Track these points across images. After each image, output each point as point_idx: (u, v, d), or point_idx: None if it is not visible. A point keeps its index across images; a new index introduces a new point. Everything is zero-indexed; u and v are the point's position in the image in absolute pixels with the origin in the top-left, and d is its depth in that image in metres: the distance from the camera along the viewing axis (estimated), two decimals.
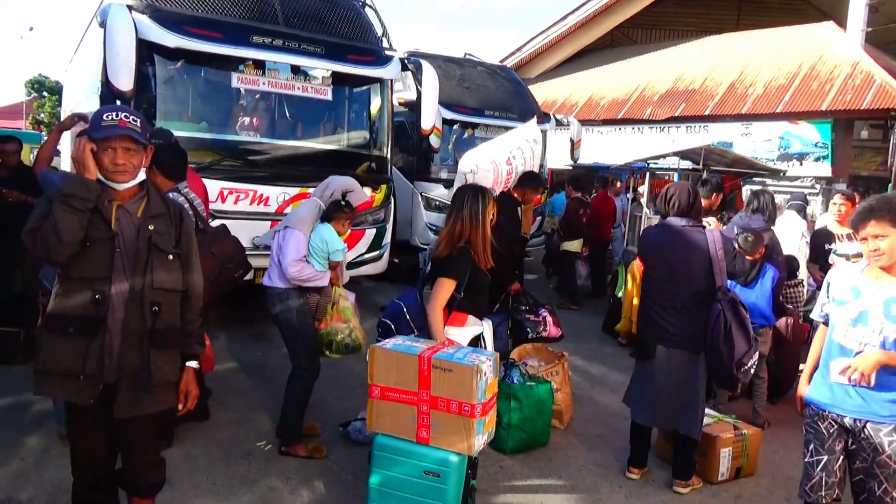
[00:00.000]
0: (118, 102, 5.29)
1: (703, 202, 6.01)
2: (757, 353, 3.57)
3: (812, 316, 2.98)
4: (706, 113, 13.64)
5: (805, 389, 2.90)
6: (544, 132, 10.48)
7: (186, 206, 3.38)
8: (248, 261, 4.31)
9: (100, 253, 2.31)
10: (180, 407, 2.53)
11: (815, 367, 2.90)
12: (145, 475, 2.58)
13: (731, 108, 13.36)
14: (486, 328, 3.52)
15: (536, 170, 5.53)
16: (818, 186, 11.49)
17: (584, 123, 11.95)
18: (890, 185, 9.51)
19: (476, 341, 3.40)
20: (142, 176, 2.42)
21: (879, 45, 13.73)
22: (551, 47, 18.63)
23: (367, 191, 6.31)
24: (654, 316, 3.72)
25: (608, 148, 14.45)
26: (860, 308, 2.63)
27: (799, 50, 13.77)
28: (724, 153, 9.22)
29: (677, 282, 3.65)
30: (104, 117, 2.30)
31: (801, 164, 12.21)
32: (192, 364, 2.56)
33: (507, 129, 9.98)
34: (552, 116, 10.70)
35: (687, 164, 9.83)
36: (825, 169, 11.93)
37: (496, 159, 5.03)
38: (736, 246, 4.57)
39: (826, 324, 2.84)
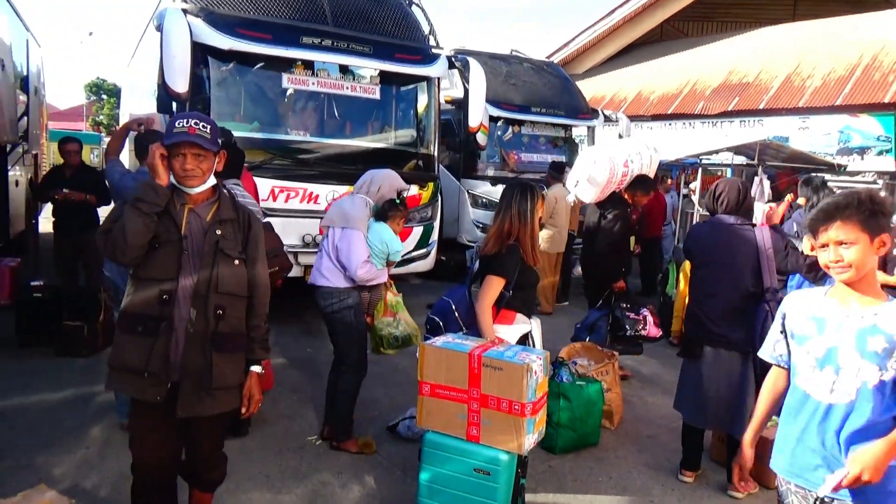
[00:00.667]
0: (174, 104, 5.46)
1: (802, 202, 5.93)
2: None
3: (760, 354, 2.33)
4: (761, 107, 13.25)
5: (751, 451, 2.31)
6: (592, 129, 10.40)
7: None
8: (289, 260, 4.36)
9: (168, 254, 2.38)
10: (244, 410, 2.57)
11: (765, 421, 2.32)
12: (207, 471, 2.68)
13: (787, 101, 12.94)
14: (534, 326, 3.50)
15: (651, 175, 5.62)
16: (881, 181, 11.04)
17: (633, 119, 11.77)
18: None
19: (524, 339, 3.39)
20: (212, 180, 2.48)
21: None
22: (599, 42, 18.37)
23: (414, 188, 6.38)
24: (700, 315, 3.65)
25: (658, 144, 14.18)
26: (827, 344, 1.98)
27: (859, 40, 13.23)
28: (781, 148, 8.97)
29: (724, 280, 3.57)
30: (176, 124, 2.36)
31: (862, 159, 11.74)
32: (256, 369, 2.58)
33: (554, 125, 9.97)
34: (600, 112, 10.57)
35: (741, 160, 9.58)
36: (888, 163, 11.44)
37: (614, 158, 5.15)
38: (806, 240, 4.44)
39: (782, 366, 2.22)
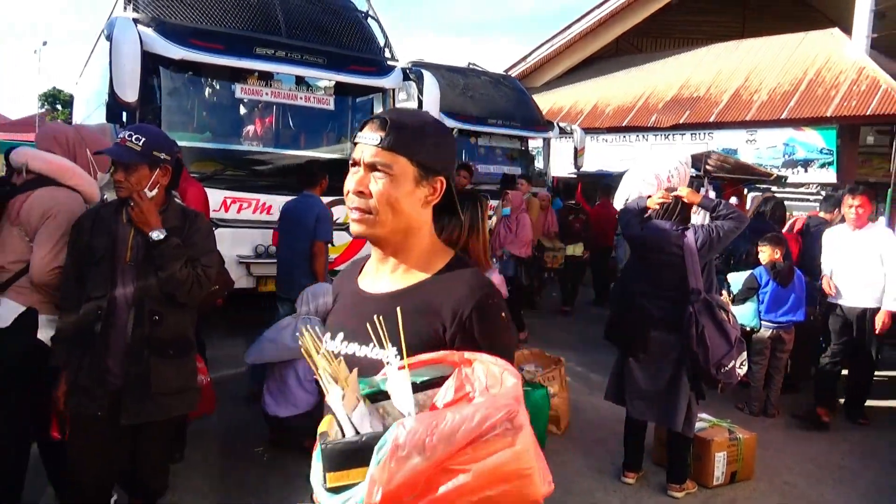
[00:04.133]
0: (123, 114, 5.41)
1: (826, 216, 6.12)
2: (742, 353, 3.59)
3: None
4: (711, 120, 13.66)
5: None
6: (547, 141, 10.57)
7: None
8: (230, 277, 4.30)
9: (104, 270, 2.40)
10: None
11: None
12: (150, 481, 2.65)
13: (735, 115, 13.37)
14: None
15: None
16: (823, 193, 11.48)
17: (588, 131, 12.01)
18: (890, 190, 9.48)
19: None
20: (151, 192, 2.43)
21: (885, 51, 13.74)
22: (556, 56, 18.71)
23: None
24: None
25: (613, 155, 14.50)
26: None
27: (804, 56, 13.78)
28: (726, 159, 9.25)
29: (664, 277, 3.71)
30: (118, 136, 2.42)
31: (805, 171, 12.20)
32: (156, 233, 2.38)
33: (510, 137, 10.12)
34: (556, 125, 10.76)
35: (690, 172, 9.87)
36: (830, 175, 11.92)
37: (660, 175, 5.32)
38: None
39: None
